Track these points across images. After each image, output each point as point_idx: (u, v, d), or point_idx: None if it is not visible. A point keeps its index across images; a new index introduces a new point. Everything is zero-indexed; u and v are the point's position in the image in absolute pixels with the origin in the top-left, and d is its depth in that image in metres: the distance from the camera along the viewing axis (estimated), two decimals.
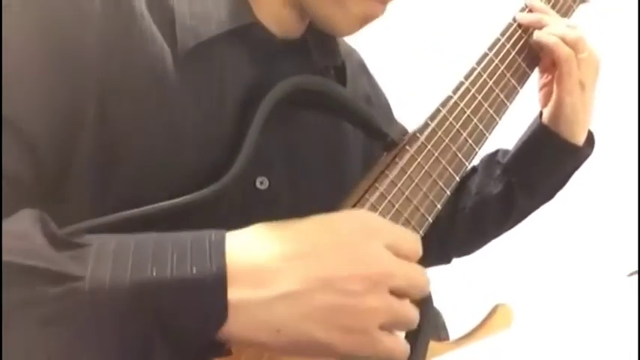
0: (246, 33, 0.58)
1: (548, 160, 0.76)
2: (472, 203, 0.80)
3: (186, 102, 0.54)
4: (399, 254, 0.47)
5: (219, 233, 0.45)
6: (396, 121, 0.84)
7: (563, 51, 0.66)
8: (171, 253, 0.43)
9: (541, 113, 0.76)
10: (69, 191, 0.50)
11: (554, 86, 0.70)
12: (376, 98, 0.80)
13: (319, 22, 0.61)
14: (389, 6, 0.60)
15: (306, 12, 0.61)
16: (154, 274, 0.42)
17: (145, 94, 0.52)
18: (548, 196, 0.80)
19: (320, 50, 0.66)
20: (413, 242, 0.49)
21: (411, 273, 0.47)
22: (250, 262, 0.44)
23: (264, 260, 0.44)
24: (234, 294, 0.42)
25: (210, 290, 0.42)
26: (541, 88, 0.76)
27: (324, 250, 0.45)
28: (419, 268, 0.48)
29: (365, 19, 0.61)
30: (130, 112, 0.51)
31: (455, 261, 0.88)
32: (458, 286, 1.43)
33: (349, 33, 0.62)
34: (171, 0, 0.56)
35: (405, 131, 0.84)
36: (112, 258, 0.42)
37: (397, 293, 0.46)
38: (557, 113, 0.72)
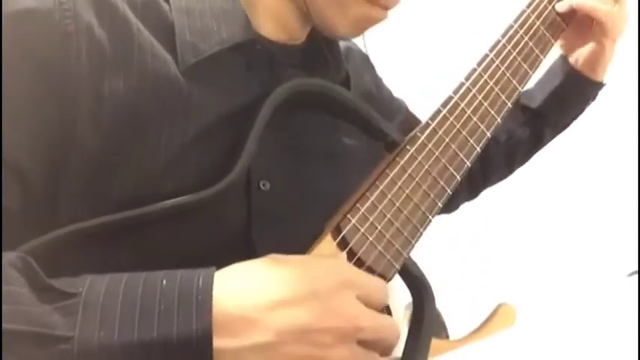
0: (246, 47, 0.58)
1: (579, 100, 0.86)
2: (503, 149, 0.89)
3: (189, 112, 0.54)
4: (368, 304, 0.49)
5: (206, 282, 0.45)
6: (400, 110, 0.86)
7: (602, 10, 0.73)
8: (158, 308, 0.43)
9: (565, 59, 0.84)
10: (62, 204, 0.50)
11: (599, 38, 0.78)
12: (378, 92, 0.81)
13: (320, 25, 0.62)
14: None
15: (309, 15, 0.61)
16: (141, 334, 0.42)
17: (146, 105, 0.52)
18: (567, 127, 0.91)
19: (321, 64, 0.66)
20: (382, 292, 0.51)
21: (380, 327, 0.49)
22: (232, 312, 0.44)
23: (244, 310, 0.45)
24: (214, 343, 0.43)
25: (195, 350, 0.43)
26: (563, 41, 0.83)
27: (300, 300, 0.46)
28: (389, 322, 0.50)
29: (366, 23, 0.62)
30: (132, 122, 0.51)
31: (457, 261, 0.88)
32: (460, 286, 1.43)
33: (350, 36, 0.63)
34: (170, 12, 0.56)
35: (414, 118, 0.86)
36: (100, 313, 0.42)
37: (364, 344, 0.48)
38: (597, 58, 0.80)
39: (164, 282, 0.44)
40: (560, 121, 0.89)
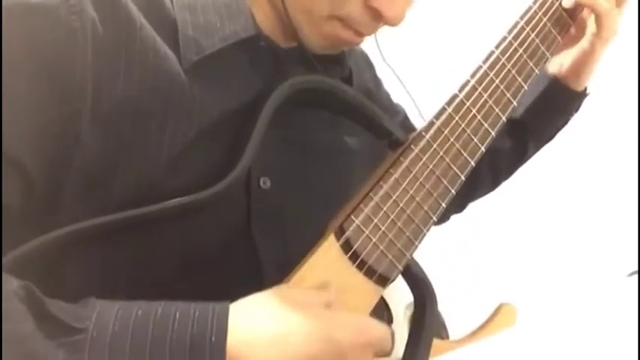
0: (249, 44, 0.58)
1: (561, 112, 0.84)
2: (487, 160, 0.86)
3: (192, 110, 0.54)
4: (378, 355, 0.50)
5: (220, 330, 0.43)
6: (398, 114, 0.85)
7: (604, 6, 0.71)
8: (169, 353, 0.42)
9: (546, 70, 0.81)
10: (63, 203, 0.49)
11: (590, 38, 0.75)
12: (377, 91, 0.81)
13: (299, 40, 0.61)
14: None
15: (293, 28, 0.60)
16: None
17: (148, 102, 0.51)
18: (552, 139, 0.89)
19: (324, 62, 0.66)
20: (390, 343, 0.51)
21: None
22: None
23: None
24: None
25: None
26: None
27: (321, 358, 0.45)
28: None
29: (336, 41, 0.61)
30: (133, 119, 0.51)
31: (458, 262, 0.88)
32: (460, 287, 1.43)
33: (320, 51, 0.62)
34: (172, 9, 0.56)
35: (410, 125, 0.85)
36: (108, 355, 0.41)
37: None
38: (584, 60, 0.77)
39: (175, 324, 0.43)
40: (543, 132, 0.87)
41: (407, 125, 0.85)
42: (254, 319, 0.45)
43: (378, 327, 0.51)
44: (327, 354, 0.45)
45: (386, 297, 0.61)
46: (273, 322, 0.45)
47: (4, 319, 0.40)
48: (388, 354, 0.51)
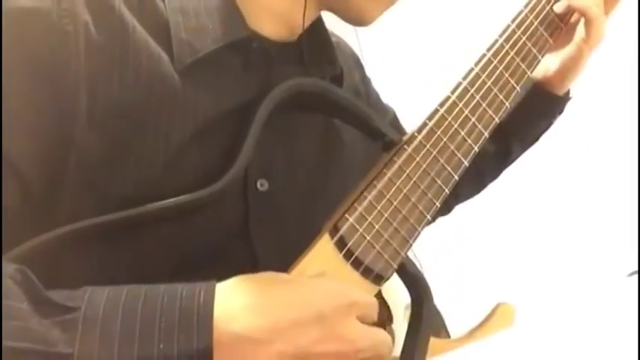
0: (242, 45, 0.59)
1: (545, 114, 0.84)
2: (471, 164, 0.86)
3: (186, 111, 0.54)
4: (364, 321, 0.50)
5: (207, 299, 0.45)
6: (386, 112, 0.86)
7: (595, 11, 0.71)
8: (159, 327, 0.43)
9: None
10: (62, 204, 0.50)
11: (578, 43, 0.75)
12: (365, 92, 0.81)
13: (345, 13, 0.62)
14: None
15: (327, 3, 0.62)
16: (141, 352, 0.42)
17: (142, 105, 0.52)
18: (536, 141, 0.89)
19: (317, 61, 0.66)
20: (375, 310, 0.52)
21: (376, 345, 0.50)
22: (234, 335, 0.44)
23: (246, 331, 0.45)
24: None
25: None
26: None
27: (304, 324, 0.46)
28: (384, 337, 0.51)
29: (391, 4, 0.64)
30: (128, 121, 0.51)
31: (456, 260, 0.88)
32: (459, 286, 1.43)
33: (374, 21, 0.64)
34: (165, 11, 0.57)
35: (396, 122, 0.86)
36: (100, 330, 0.42)
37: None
38: (571, 65, 0.77)
39: (165, 298, 0.44)
40: (526, 135, 0.87)
41: (396, 125, 0.86)
42: (238, 290, 0.47)
43: (360, 293, 0.51)
44: (308, 319, 0.46)
45: (385, 297, 0.62)
46: (256, 295, 0.46)
47: (3, 296, 0.41)
48: (374, 317, 0.51)
